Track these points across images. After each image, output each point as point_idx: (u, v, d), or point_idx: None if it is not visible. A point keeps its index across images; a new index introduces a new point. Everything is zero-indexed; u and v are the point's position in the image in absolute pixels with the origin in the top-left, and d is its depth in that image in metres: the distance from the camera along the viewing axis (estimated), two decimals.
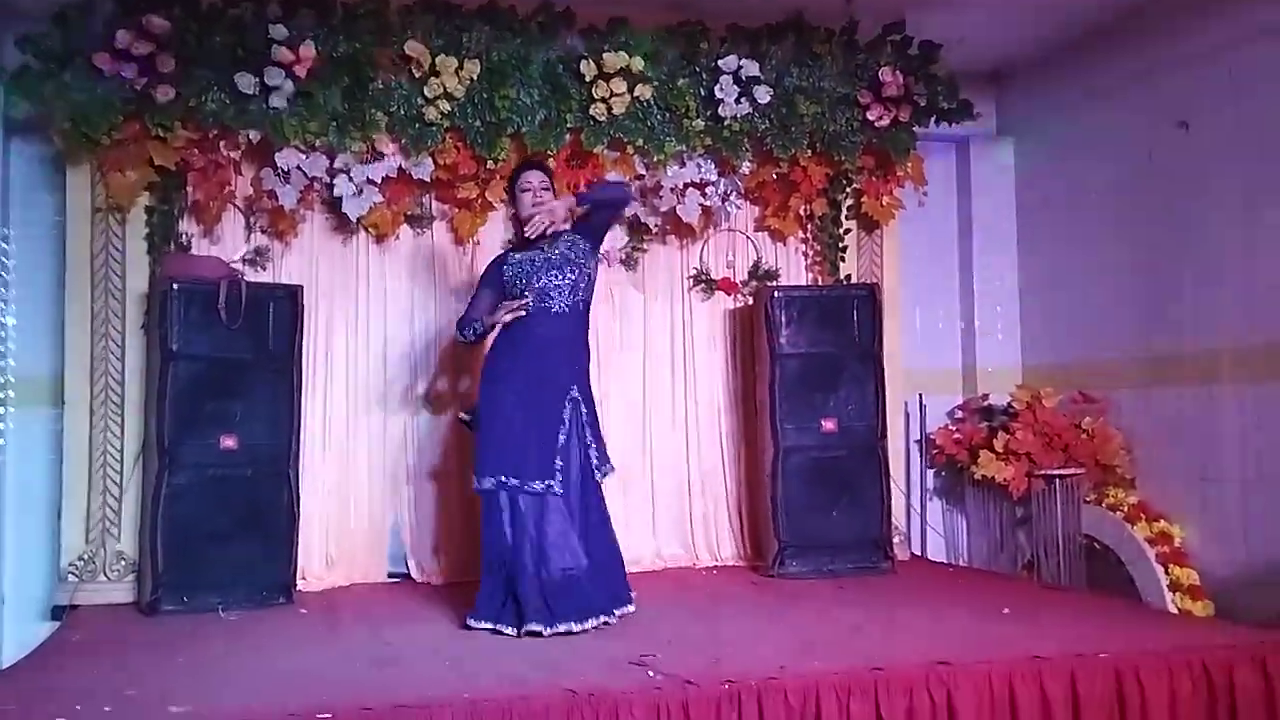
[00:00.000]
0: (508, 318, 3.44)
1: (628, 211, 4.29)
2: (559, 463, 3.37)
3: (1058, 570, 4.71)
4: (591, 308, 3.60)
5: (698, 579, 4.41)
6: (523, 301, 3.44)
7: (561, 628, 3.24)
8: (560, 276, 3.48)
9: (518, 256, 3.56)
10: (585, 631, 3.27)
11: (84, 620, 3.69)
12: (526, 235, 3.45)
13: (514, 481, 3.33)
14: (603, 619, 3.34)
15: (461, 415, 3.66)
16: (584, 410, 3.49)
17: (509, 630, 3.28)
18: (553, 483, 3.34)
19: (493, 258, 3.70)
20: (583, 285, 3.52)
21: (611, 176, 4.42)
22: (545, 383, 3.42)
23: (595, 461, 3.49)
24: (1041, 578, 4.73)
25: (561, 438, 3.41)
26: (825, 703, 2.64)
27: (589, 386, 3.56)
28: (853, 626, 3.34)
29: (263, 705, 2.55)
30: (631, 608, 3.53)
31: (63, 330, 4.12)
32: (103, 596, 3.95)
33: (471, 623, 3.35)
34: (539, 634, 3.22)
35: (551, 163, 4.31)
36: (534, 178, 3.56)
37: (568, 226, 3.53)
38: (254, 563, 3.83)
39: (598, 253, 3.63)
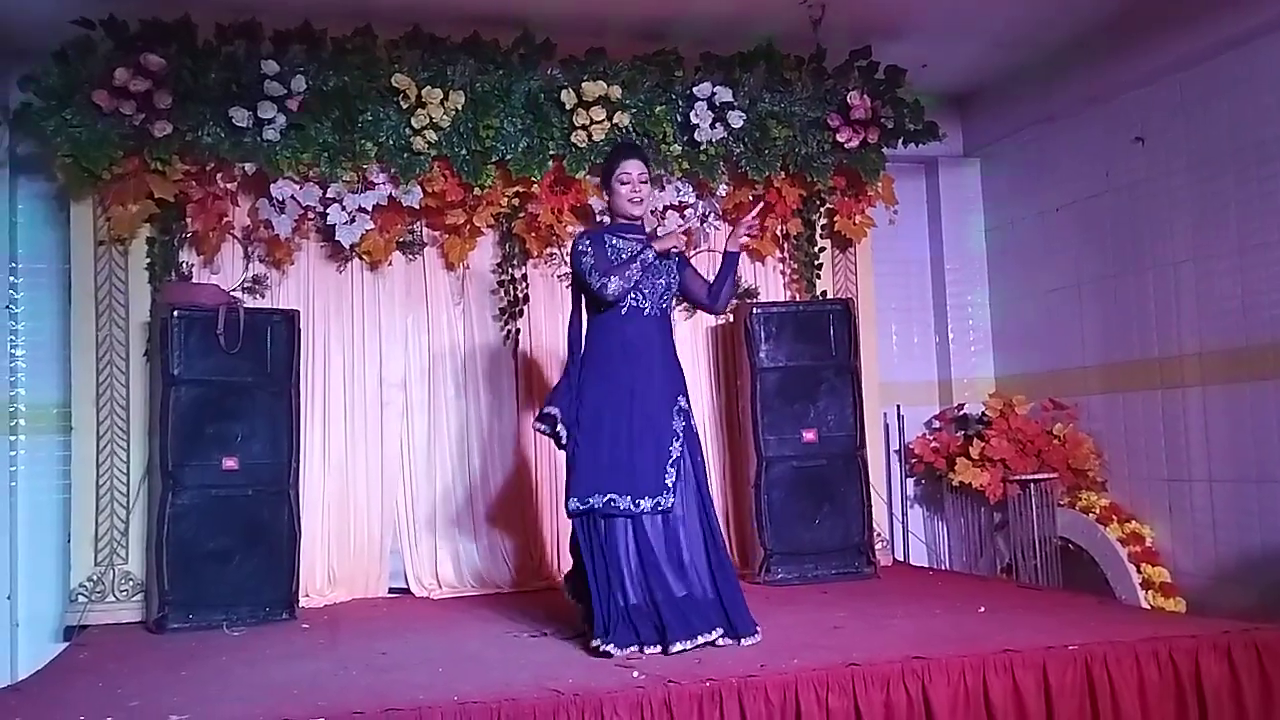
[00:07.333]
0: (673, 244, 3.21)
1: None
2: (670, 479, 3.12)
3: (1035, 572, 4.80)
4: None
5: None
6: (681, 227, 3.45)
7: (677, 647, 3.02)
8: (656, 276, 3.22)
9: (617, 242, 3.25)
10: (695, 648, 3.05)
11: (93, 639, 3.77)
12: (658, 250, 3.17)
13: (624, 502, 3.06)
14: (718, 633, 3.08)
15: (538, 426, 3.28)
16: (692, 423, 3.27)
17: (651, 649, 3.03)
18: (660, 499, 3.09)
19: (584, 232, 3.40)
20: (671, 293, 3.32)
21: (594, 202, 4.50)
22: (650, 390, 3.14)
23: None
24: (1019, 579, 4.82)
25: (675, 451, 3.15)
26: (804, 698, 2.69)
27: (689, 399, 3.31)
28: (832, 627, 3.39)
29: (260, 711, 2.61)
30: (757, 638, 3.15)
31: (69, 359, 4.20)
32: (112, 616, 4.03)
33: (611, 649, 3.05)
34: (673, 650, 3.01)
35: (537, 189, 4.39)
36: (633, 169, 3.24)
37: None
38: (257, 580, 3.88)
39: (683, 271, 3.41)
